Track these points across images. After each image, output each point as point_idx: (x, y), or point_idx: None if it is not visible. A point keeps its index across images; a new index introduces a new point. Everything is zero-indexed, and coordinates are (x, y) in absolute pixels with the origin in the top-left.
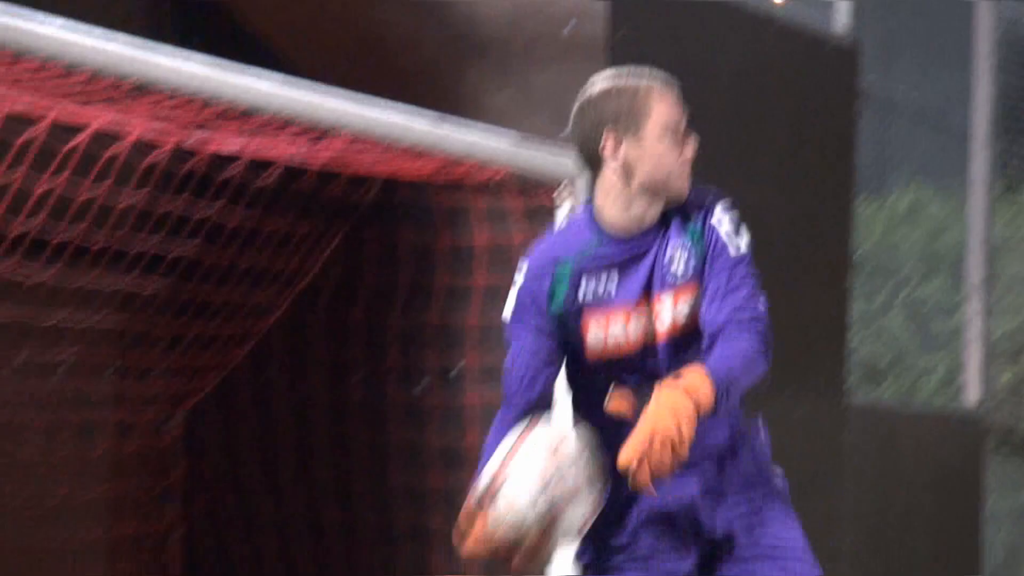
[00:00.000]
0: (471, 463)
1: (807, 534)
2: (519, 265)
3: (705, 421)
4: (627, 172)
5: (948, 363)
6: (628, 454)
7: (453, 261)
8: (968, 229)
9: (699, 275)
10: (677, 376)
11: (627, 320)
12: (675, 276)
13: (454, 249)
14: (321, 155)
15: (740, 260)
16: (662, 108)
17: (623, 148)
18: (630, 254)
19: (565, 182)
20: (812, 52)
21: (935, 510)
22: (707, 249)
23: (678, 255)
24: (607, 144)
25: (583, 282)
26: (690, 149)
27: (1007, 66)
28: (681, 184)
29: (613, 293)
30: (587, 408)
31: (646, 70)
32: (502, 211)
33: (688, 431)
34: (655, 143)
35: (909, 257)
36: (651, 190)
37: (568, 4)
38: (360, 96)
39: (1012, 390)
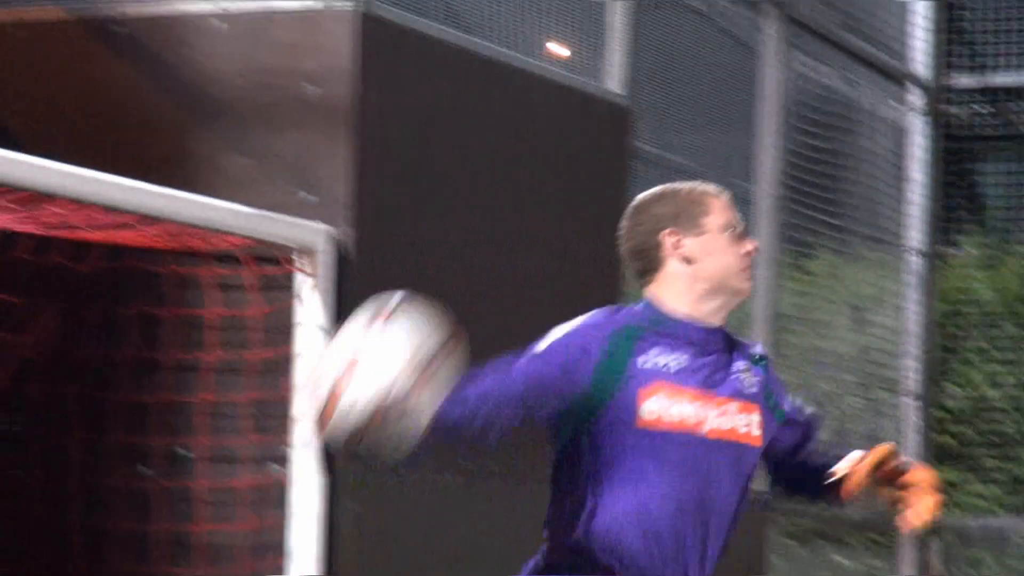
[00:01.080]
0: (200, 552)
1: None
2: (579, 322)
3: None
4: (690, 266)
5: None
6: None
7: (182, 334)
8: (752, 302)
9: (761, 400)
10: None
11: (692, 401)
12: (744, 389)
13: (184, 321)
14: (36, 221)
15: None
16: (718, 206)
17: (685, 244)
18: (694, 339)
19: (305, 252)
20: (583, 111)
21: None
22: (778, 390)
23: (746, 373)
24: (667, 242)
25: (647, 351)
26: (750, 246)
27: (793, 131)
28: (743, 282)
29: (679, 370)
30: (609, 479)
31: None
32: (237, 282)
33: None
34: (716, 237)
35: None
36: (715, 286)
37: (312, 65)
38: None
39: None
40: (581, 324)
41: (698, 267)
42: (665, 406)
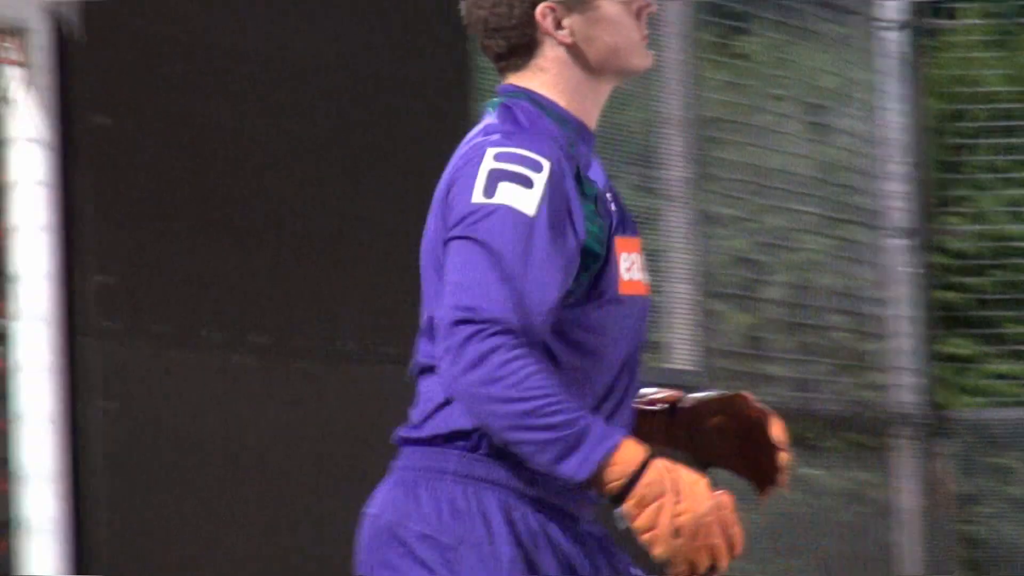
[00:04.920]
0: None
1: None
2: (527, 159)
3: None
4: (577, 53)
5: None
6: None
7: None
8: (661, 100)
9: None
10: None
11: (639, 252)
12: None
13: None
14: None
15: None
16: None
17: (569, 22)
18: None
19: (12, 34)
20: None
21: None
22: None
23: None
24: (544, 20)
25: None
26: (645, 8)
27: None
28: (643, 59)
29: (616, 209)
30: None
31: None
32: None
33: None
34: (608, 7)
35: None
36: (609, 70)
37: None
38: None
39: (740, 347)
40: (548, 177)
41: (587, 52)
42: (631, 265)
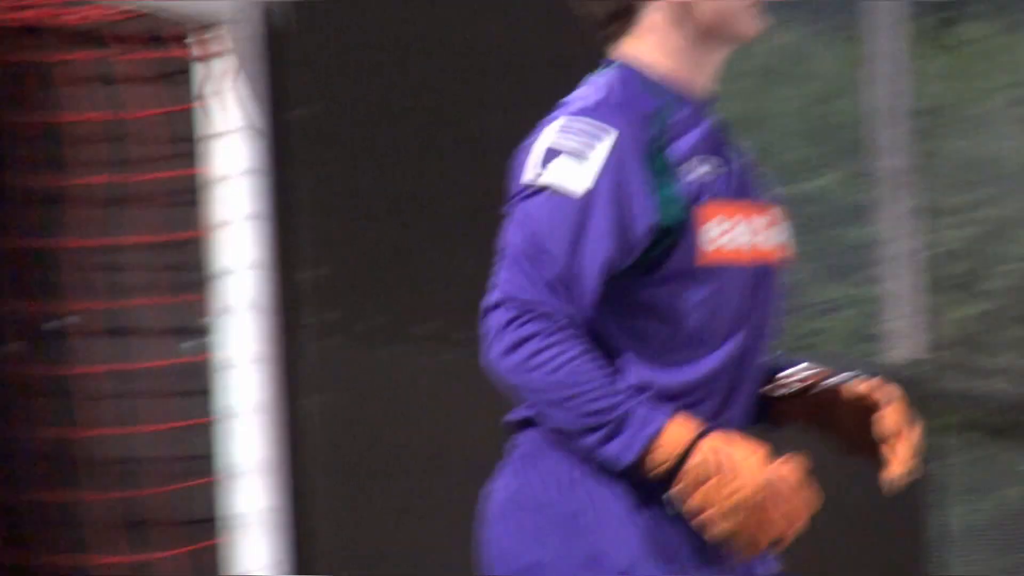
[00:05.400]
0: (88, 467)
1: None
2: (586, 132)
3: None
4: (681, 17)
5: (856, 297)
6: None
7: (36, 151)
8: (873, 89)
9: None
10: None
11: (750, 217)
12: (758, 183)
13: (40, 131)
14: None
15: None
16: None
17: None
18: (713, 127)
19: (206, 26)
20: None
21: None
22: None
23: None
24: None
25: (685, 155)
26: None
27: None
28: (753, 24)
29: (719, 174)
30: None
31: None
32: (111, 71)
33: None
34: None
35: (789, 136)
36: (717, 36)
37: None
38: None
39: (963, 339)
40: (611, 149)
41: (692, 12)
42: (731, 231)
